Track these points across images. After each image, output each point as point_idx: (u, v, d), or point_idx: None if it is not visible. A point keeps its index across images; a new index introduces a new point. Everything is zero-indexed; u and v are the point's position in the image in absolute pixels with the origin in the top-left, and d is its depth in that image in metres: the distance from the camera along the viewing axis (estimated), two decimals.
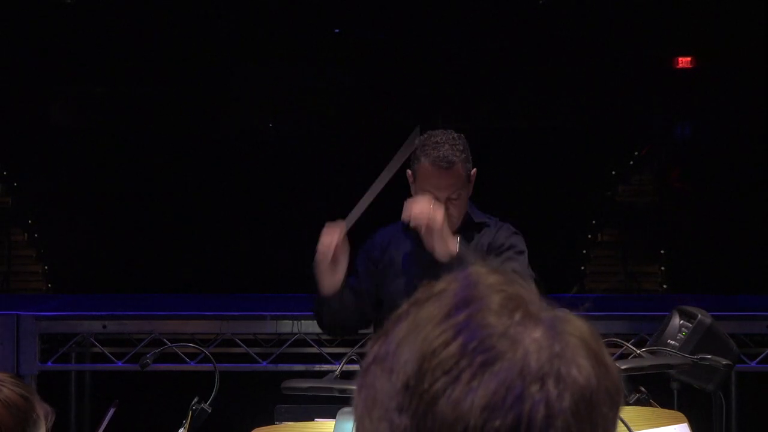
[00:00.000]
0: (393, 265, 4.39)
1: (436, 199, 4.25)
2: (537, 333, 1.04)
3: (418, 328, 1.05)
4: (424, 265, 4.22)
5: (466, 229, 4.39)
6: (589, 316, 1.09)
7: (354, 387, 1.09)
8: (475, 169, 4.33)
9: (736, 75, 10.83)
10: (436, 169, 4.23)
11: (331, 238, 4.12)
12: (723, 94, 10.81)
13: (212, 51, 10.91)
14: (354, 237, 4.26)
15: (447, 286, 1.09)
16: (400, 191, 4.31)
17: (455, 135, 4.31)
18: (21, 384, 2.24)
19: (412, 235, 4.38)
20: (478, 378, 1.01)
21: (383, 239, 4.43)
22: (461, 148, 4.28)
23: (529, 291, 1.09)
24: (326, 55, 11.04)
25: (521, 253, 4.37)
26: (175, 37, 10.93)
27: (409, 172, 4.36)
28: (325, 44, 11.08)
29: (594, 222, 10.96)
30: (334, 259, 4.12)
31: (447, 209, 4.26)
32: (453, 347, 1.03)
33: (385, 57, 11.02)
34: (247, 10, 10.93)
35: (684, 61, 11.23)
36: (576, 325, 1.07)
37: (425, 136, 4.33)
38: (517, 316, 1.05)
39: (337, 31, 11.26)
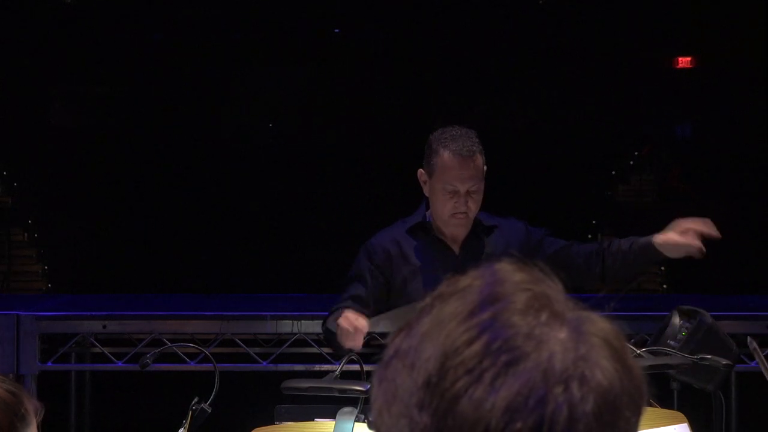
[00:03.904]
0: (410, 268, 4.35)
1: (456, 192, 4.23)
2: (562, 334, 1.02)
3: (442, 324, 1.04)
4: (450, 266, 4.19)
5: (477, 235, 4.37)
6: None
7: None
8: (486, 166, 4.32)
9: (736, 75, 10.83)
10: (457, 159, 4.21)
11: (356, 319, 4.09)
12: (723, 94, 10.81)
13: (212, 51, 10.91)
14: (353, 237, 4.25)
15: (472, 281, 1.07)
16: (393, 193, 4.30)
17: (467, 129, 4.32)
18: (7, 380, 2.25)
19: (423, 237, 4.37)
20: (500, 378, 1.00)
21: (384, 242, 4.39)
22: (476, 140, 4.29)
23: (556, 289, 1.07)
24: (326, 55, 11.04)
25: (552, 233, 4.47)
26: (175, 38, 10.93)
27: (421, 171, 4.32)
28: (325, 44, 11.08)
29: (594, 222, 10.96)
30: (357, 334, 4.11)
31: (466, 202, 4.24)
32: (476, 346, 1.01)
33: (385, 57, 11.02)
34: (247, 10, 10.93)
35: (684, 61, 11.23)
36: (600, 325, 1.05)
37: (439, 131, 4.31)
38: (543, 316, 1.03)
39: (337, 31, 11.26)
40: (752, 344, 3.16)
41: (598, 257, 4.41)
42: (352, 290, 4.30)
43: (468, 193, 4.23)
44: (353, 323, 4.05)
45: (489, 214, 4.43)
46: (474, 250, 4.32)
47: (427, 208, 4.40)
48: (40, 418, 2.24)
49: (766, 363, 3.15)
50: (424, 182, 4.32)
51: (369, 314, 4.28)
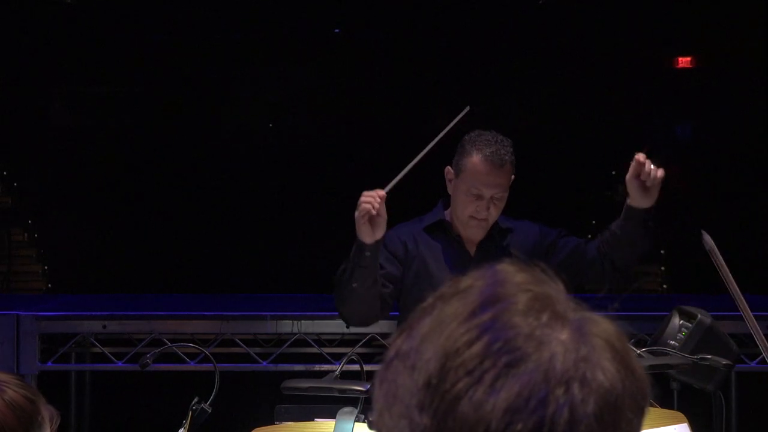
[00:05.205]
0: (424, 267, 4.34)
1: (480, 196, 4.23)
2: (564, 335, 1.02)
3: (443, 325, 1.04)
4: (466, 267, 4.17)
5: (494, 237, 4.38)
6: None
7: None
8: (513, 176, 4.34)
9: (736, 75, 10.83)
10: (488, 165, 4.22)
11: (374, 194, 4.08)
12: (723, 94, 10.81)
13: (212, 51, 10.91)
14: (354, 237, 4.24)
15: (474, 282, 1.07)
16: (414, 190, 4.29)
17: (503, 137, 4.33)
18: (26, 385, 2.24)
19: (440, 236, 4.36)
20: (501, 379, 1.00)
21: (401, 236, 4.38)
22: (510, 149, 4.30)
23: (557, 290, 1.07)
24: (326, 55, 11.04)
25: (567, 233, 4.46)
26: (175, 37, 10.93)
27: (448, 168, 4.33)
28: (325, 44, 11.08)
29: (594, 222, 10.95)
30: (377, 215, 4.07)
31: (487, 208, 4.25)
32: (477, 347, 1.01)
33: (385, 57, 11.02)
34: (247, 9, 10.92)
35: (684, 61, 11.23)
36: (603, 326, 1.05)
37: (475, 133, 4.32)
38: (544, 317, 1.03)
39: (337, 31, 11.26)
40: (706, 238, 3.13)
41: (601, 250, 4.41)
42: None
43: (491, 199, 4.24)
44: (373, 194, 4.06)
45: (505, 216, 4.44)
46: (490, 252, 4.33)
47: (445, 207, 4.40)
48: (56, 425, 2.23)
49: (721, 260, 3.14)
50: (450, 180, 4.32)
51: (388, 292, 4.26)
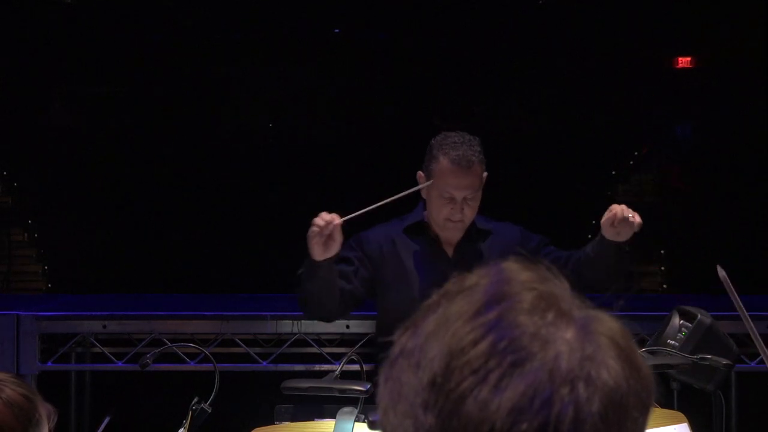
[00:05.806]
0: (401, 268, 4.36)
1: (453, 199, 4.25)
2: (569, 333, 1.02)
3: (448, 324, 1.03)
4: (443, 268, 4.20)
5: (472, 238, 4.39)
6: None
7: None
8: (486, 173, 4.34)
9: (736, 75, 10.82)
10: (455, 168, 4.23)
11: (331, 217, 4.09)
12: (723, 94, 10.81)
13: (212, 51, 10.90)
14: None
15: (479, 280, 1.06)
16: (393, 193, 4.29)
17: (471, 137, 4.33)
18: (23, 384, 2.25)
19: (419, 237, 4.37)
20: (506, 379, 0.99)
21: (378, 237, 4.40)
22: (478, 149, 4.30)
23: (562, 288, 1.06)
24: (326, 55, 11.03)
25: (550, 242, 4.49)
26: (175, 37, 10.92)
27: (420, 173, 4.34)
28: (325, 44, 11.08)
29: (594, 222, 10.95)
30: (330, 236, 4.08)
31: (462, 210, 4.26)
32: (482, 346, 1.01)
33: (385, 57, 11.01)
34: (247, 9, 10.92)
35: (684, 61, 11.22)
36: (608, 325, 1.05)
37: (441, 136, 4.33)
38: (549, 316, 1.03)
39: (337, 31, 11.26)
40: (722, 272, 3.14)
41: (575, 270, 4.42)
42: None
43: (464, 200, 4.25)
44: (325, 217, 4.05)
45: (485, 217, 4.44)
46: (468, 254, 4.34)
47: (425, 208, 4.42)
48: (53, 423, 2.24)
49: (735, 294, 3.15)
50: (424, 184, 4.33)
51: (351, 291, 4.28)
